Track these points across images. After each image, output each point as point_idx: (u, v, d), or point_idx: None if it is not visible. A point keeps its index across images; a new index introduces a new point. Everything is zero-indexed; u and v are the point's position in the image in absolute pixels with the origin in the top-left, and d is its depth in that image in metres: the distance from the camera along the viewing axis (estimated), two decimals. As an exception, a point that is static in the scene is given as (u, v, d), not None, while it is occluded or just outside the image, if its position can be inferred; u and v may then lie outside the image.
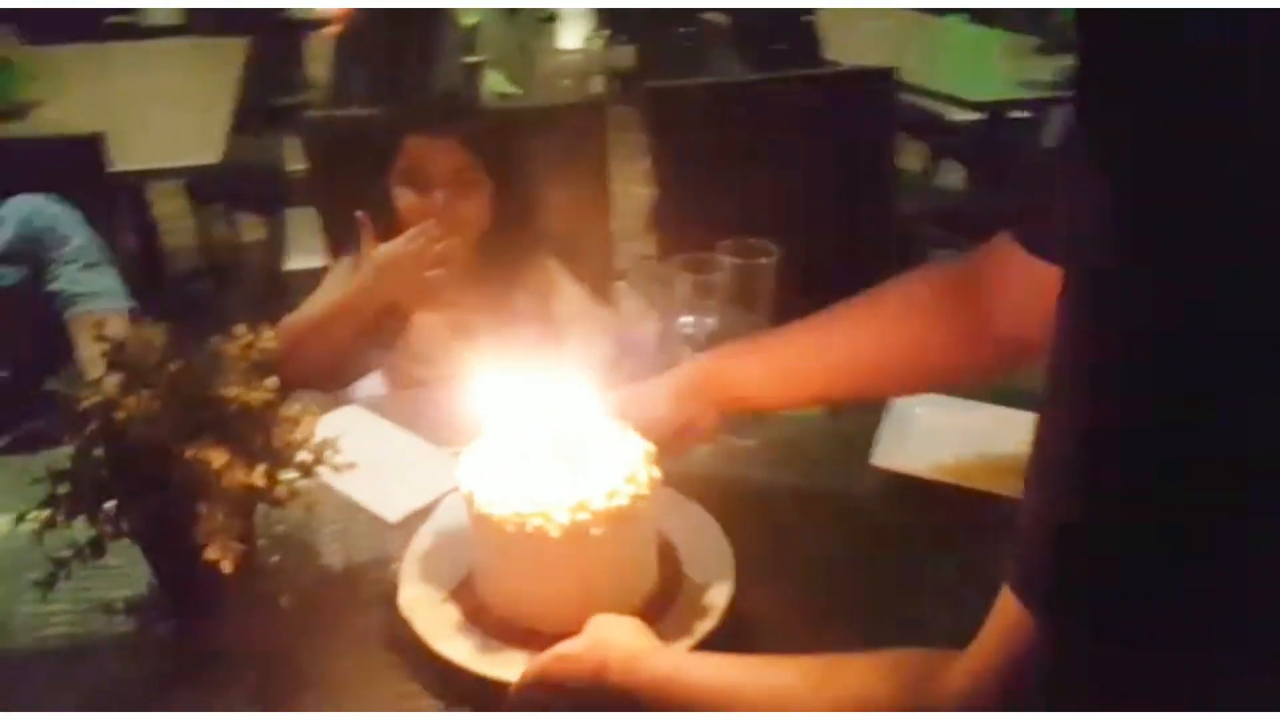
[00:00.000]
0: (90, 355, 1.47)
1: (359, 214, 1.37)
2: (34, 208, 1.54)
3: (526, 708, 0.73)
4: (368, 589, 0.91)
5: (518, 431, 0.85)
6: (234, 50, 3.10)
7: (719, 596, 0.85)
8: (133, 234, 3.06)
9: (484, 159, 1.41)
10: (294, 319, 1.41)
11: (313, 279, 1.74)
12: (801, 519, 1.01)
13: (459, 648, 0.79)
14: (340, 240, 1.65)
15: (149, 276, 3.17)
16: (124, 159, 1.82)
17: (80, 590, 0.84)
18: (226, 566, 0.76)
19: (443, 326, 1.46)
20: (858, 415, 1.12)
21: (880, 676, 0.57)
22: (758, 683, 0.64)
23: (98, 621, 0.86)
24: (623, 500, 0.79)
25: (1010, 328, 0.80)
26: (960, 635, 0.52)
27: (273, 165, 3.07)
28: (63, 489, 0.79)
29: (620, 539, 0.80)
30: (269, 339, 0.88)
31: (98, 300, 1.53)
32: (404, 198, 1.40)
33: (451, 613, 0.83)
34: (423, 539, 0.92)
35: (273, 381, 0.88)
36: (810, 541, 0.98)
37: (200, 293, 3.44)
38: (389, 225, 1.40)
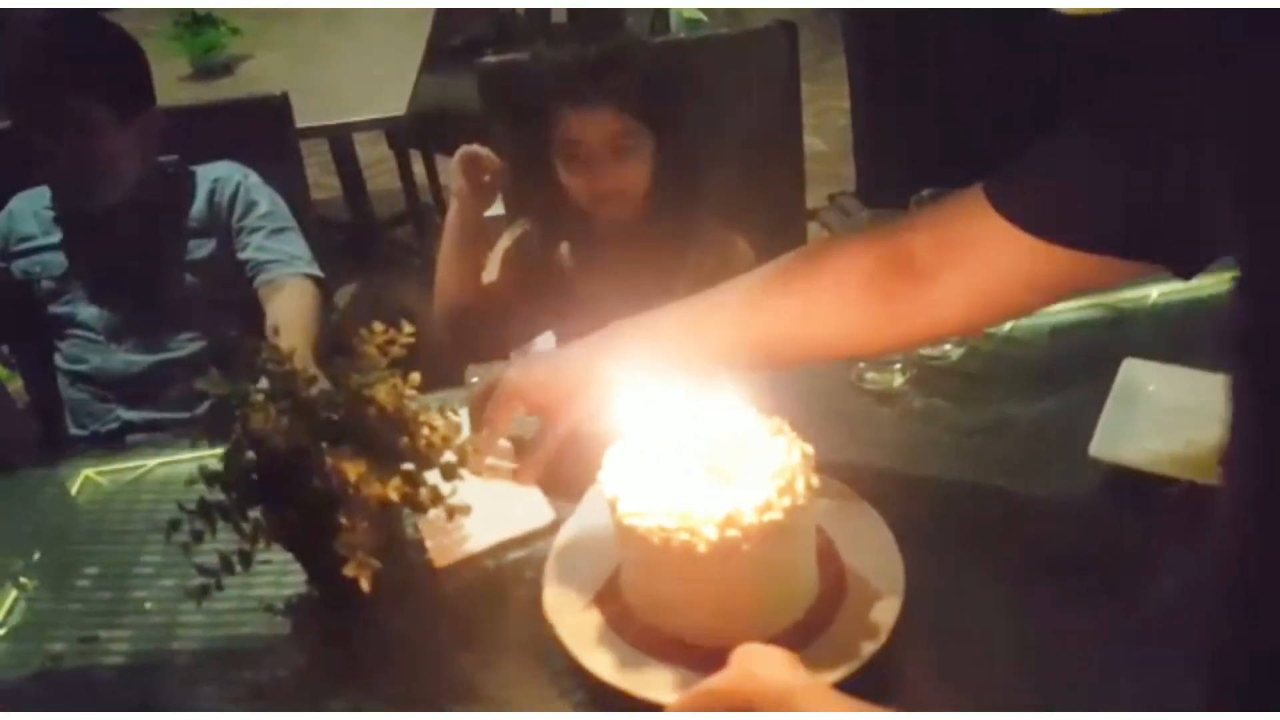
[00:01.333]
0: (271, 319, 1.49)
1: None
2: (220, 176, 1.56)
3: None
4: (519, 589, 0.86)
5: (666, 431, 0.78)
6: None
7: (886, 614, 0.75)
8: (340, 182, 3.20)
9: (645, 117, 1.32)
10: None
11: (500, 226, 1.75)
12: (1003, 524, 0.87)
13: (601, 660, 0.75)
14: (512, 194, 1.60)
15: (356, 225, 3.32)
16: (315, 114, 1.84)
17: (243, 589, 0.84)
18: (364, 584, 0.72)
19: (617, 294, 1.37)
20: (1070, 392, 0.96)
21: None
22: None
23: (257, 622, 0.86)
24: (776, 514, 0.71)
25: (947, 305, 0.80)
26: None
27: (465, 107, 3.08)
28: (214, 495, 0.78)
29: (773, 554, 0.73)
30: (409, 333, 0.84)
31: (285, 267, 1.54)
32: (563, 172, 1.35)
33: (595, 618, 0.79)
34: (567, 535, 0.87)
35: (415, 379, 0.83)
36: (1004, 555, 0.84)
37: (405, 236, 3.55)
38: (552, 194, 1.36)
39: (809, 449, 0.77)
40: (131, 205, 1.50)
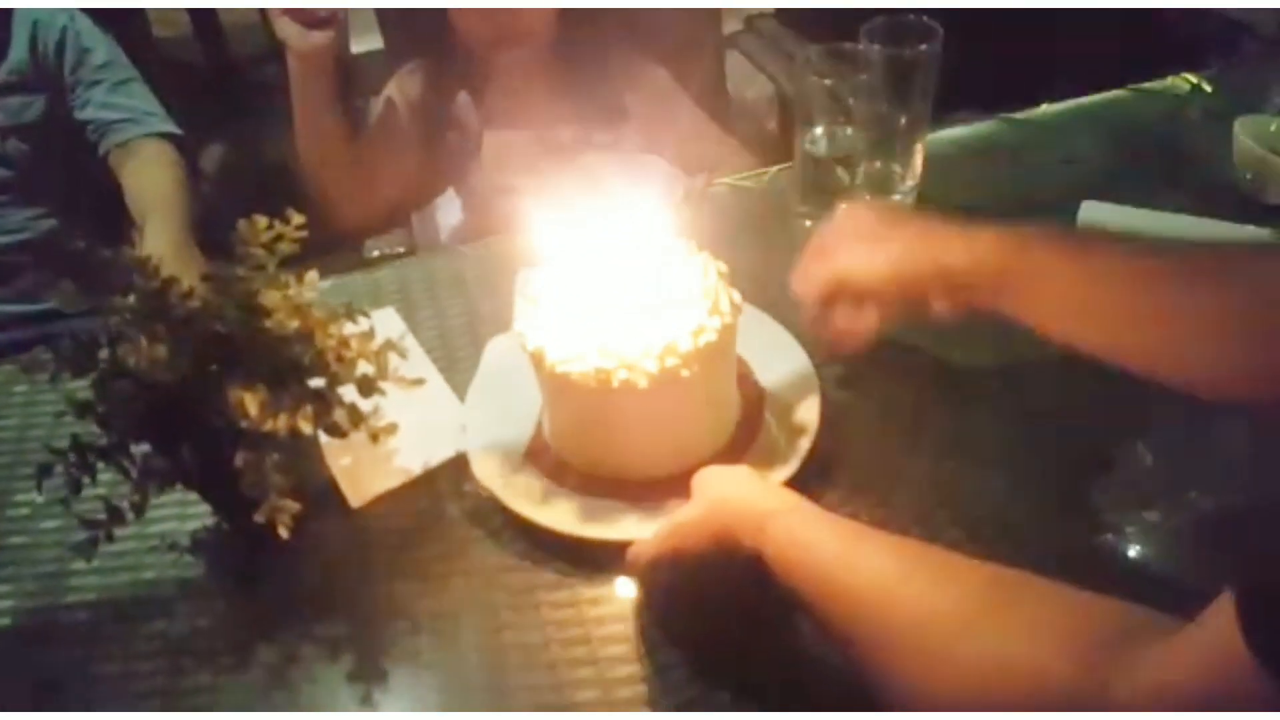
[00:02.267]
0: (131, 193, 1.32)
1: None
2: (39, 19, 1.32)
3: (652, 589, 0.67)
4: (442, 480, 0.80)
5: (575, 267, 0.73)
6: None
7: (808, 412, 0.77)
8: (188, 16, 2.86)
9: None
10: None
11: (378, 64, 1.56)
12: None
13: (554, 515, 0.73)
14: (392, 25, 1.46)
15: (210, 67, 2.99)
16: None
17: (140, 526, 0.72)
18: (281, 532, 0.62)
19: (525, 144, 1.27)
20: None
21: (1063, 613, 0.46)
22: (906, 587, 0.52)
23: (163, 564, 0.75)
24: (711, 336, 0.69)
25: None
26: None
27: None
28: (88, 431, 0.66)
29: (709, 375, 0.71)
30: (298, 225, 0.70)
31: (135, 126, 1.35)
32: (462, 17, 1.21)
33: (532, 478, 0.75)
34: (477, 396, 0.83)
35: (312, 278, 0.71)
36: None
37: (269, 77, 3.22)
38: (444, 35, 1.23)
39: (722, 266, 0.74)
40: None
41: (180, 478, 0.67)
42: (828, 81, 0.87)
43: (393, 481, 0.78)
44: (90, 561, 0.67)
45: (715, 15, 1.61)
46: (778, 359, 0.82)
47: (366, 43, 2.18)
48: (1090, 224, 0.90)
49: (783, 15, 1.78)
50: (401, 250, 1.27)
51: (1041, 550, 0.62)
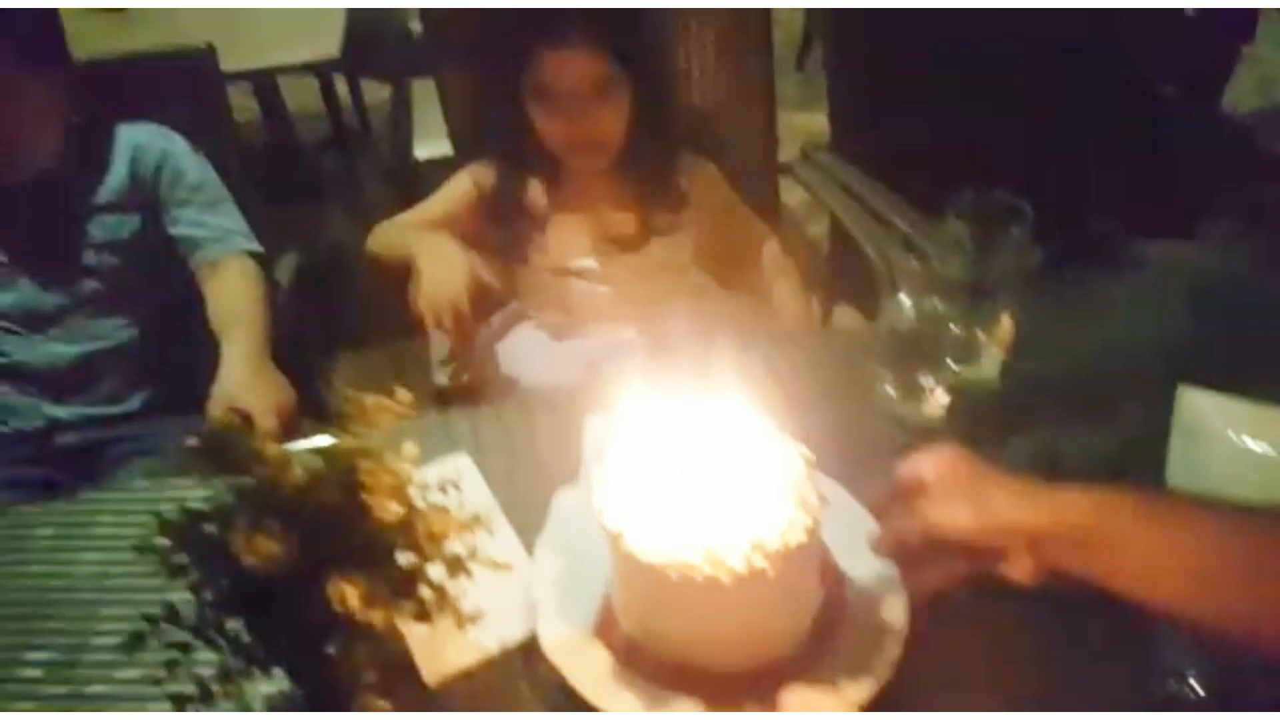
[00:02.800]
0: (214, 306, 1.35)
1: None
2: (141, 143, 1.38)
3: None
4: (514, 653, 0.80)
5: (651, 433, 0.74)
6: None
7: (894, 613, 0.76)
8: (259, 106, 2.96)
9: (624, 63, 1.28)
10: (392, 231, 1.37)
11: (443, 172, 1.62)
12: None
13: (623, 703, 0.72)
14: (463, 132, 1.54)
15: (278, 150, 3.09)
16: (236, 59, 1.64)
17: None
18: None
19: (588, 226, 1.38)
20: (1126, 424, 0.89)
21: None
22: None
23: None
24: (798, 535, 0.69)
25: None
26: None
27: (399, 26, 2.85)
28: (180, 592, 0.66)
29: (794, 572, 0.71)
30: (405, 403, 0.72)
31: (221, 245, 1.39)
32: (538, 116, 1.30)
33: (602, 656, 0.75)
34: (546, 560, 0.83)
35: (412, 453, 0.72)
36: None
37: (329, 166, 3.33)
38: (522, 139, 1.32)
39: (808, 453, 0.73)
40: (43, 177, 1.33)
41: (271, 659, 0.68)
42: (915, 262, 0.88)
43: (468, 659, 0.79)
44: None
45: (772, 141, 1.66)
46: (855, 540, 0.79)
47: (430, 148, 2.26)
48: (1191, 419, 0.88)
49: (839, 147, 1.81)
50: (466, 378, 1.30)
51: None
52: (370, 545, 0.66)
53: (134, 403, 1.40)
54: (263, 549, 0.61)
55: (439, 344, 1.30)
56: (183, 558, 0.68)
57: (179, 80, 1.49)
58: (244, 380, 1.22)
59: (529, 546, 0.87)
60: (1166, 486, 0.84)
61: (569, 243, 1.38)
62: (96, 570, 0.91)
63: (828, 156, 1.72)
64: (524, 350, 1.42)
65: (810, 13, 3.31)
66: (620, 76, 1.28)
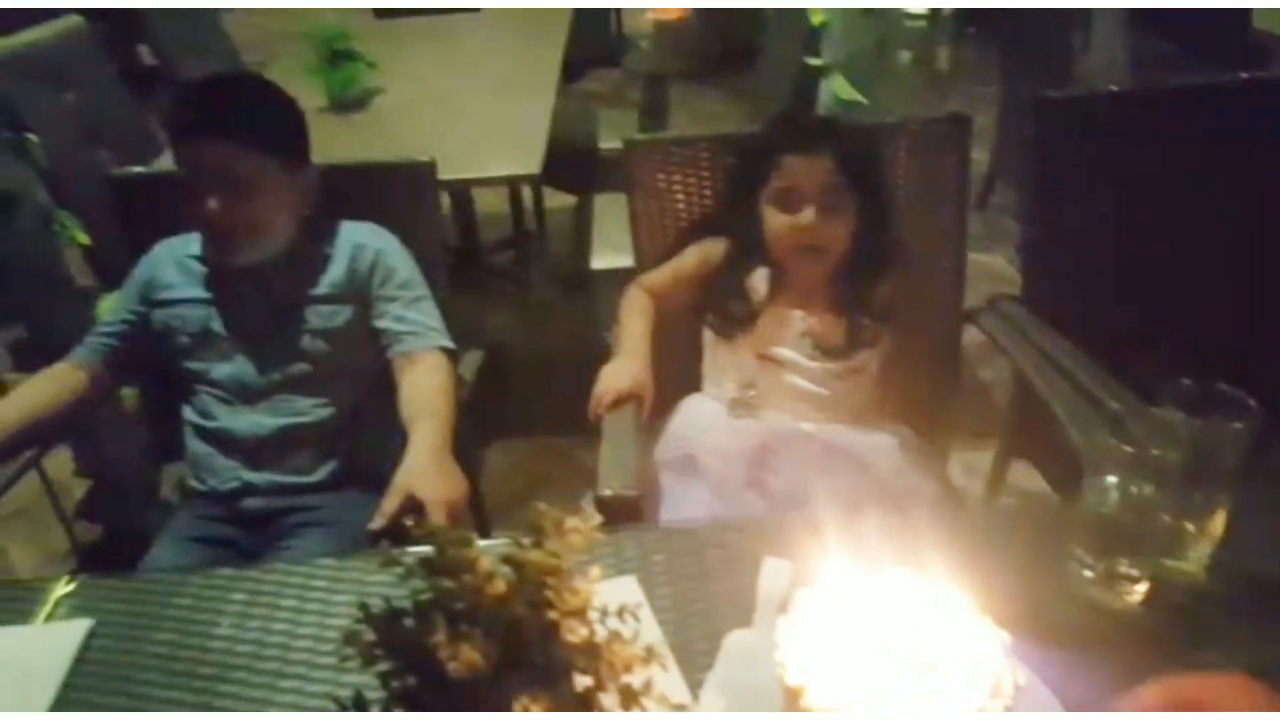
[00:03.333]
0: (406, 397, 1.43)
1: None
2: (361, 242, 1.52)
3: None
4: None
5: (843, 602, 0.72)
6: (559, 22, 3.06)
7: None
8: (452, 208, 3.17)
9: (850, 177, 1.43)
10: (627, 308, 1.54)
11: (616, 282, 1.71)
12: None
13: None
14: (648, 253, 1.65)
15: (461, 248, 3.29)
16: (447, 170, 1.78)
17: None
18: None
19: (798, 321, 1.48)
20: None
21: None
22: None
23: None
24: None
25: None
26: None
27: (587, 140, 3.02)
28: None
29: None
30: (593, 526, 0.74)
31: (420, 340, 1.49)
32: (773, 219, 1.45)
33: None
34: (712, 704, 0.81)
35: (595, 574, 0.74)
36: None
37: (507, 263, 3.51)
38: (753, 233, 1.47)
39: (1007, 636, 0.71)
40: (275, 267, 1.47)
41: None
42: (1128, 448, 0.85)
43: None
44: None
45: (959, 284, 1.65)
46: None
47: (604, 260, 2.37)
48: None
49: (1028, 298, 1.78)
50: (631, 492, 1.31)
51: None
52: (552, 664, 0.67)
53: (319, 475, 1.49)
54: (466, 656, 0.64)
55: (607, 461, 1.33)
56: (378, 649, 0.71)
57: (400, 186, 1.64)
58: (426, 471, 1.28)
59: (691, 684, 0.86)
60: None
61: (776, 332, 1.48)
62: (281, 640, 0.95)
63: (1019, 311, 1.67)
64: (698, 418, 1.49)
65: (997, 153, 3.33)
66: (849, 191, 1.42)
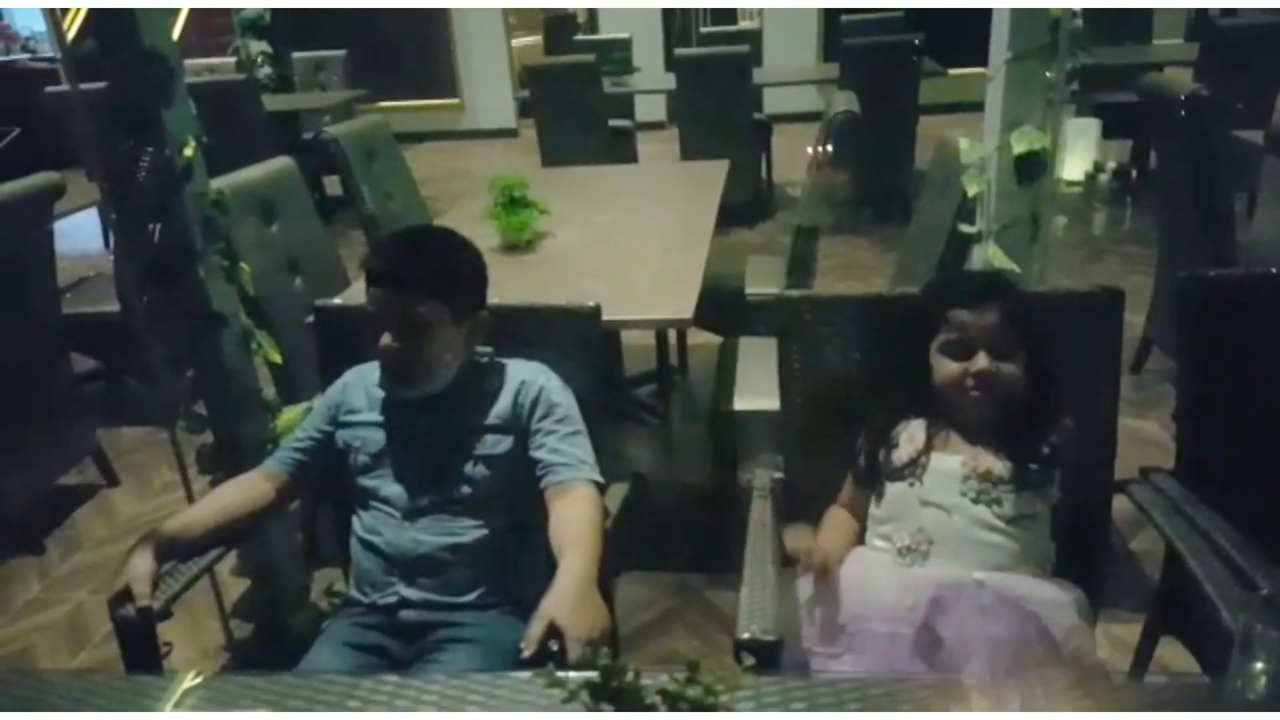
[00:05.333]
0: (556, 526, 1.51)
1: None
2: (526, 378, 1.64)
3: None
4: None
5: None
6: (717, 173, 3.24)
7: None
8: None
9: (1020, 330, 1.51)
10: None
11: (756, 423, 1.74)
12: None
13: None
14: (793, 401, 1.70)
15: (607, 390, 3.42)
16: (608, 311, 1.91)
17: None
18: None
19: (958, 468, 1.52)
20: None
21: None
22: None
23: None
24: None
25: None
26: None
27: (735, 284, 3.14)
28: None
29: None
30: (742, 663, 0.79)
31: (573, 471, 1.59)
32: (944, 366, 1.54)
33: None
34: None
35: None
36: None
37: (649, 397, 3.62)
38: (921, 393, 1.56)
39: None
40: (447, 396, 1.60)
41: None
42: (1275, 631, 0.84)
43: None
44: None
45: (1111, 450, 1.65)
46: None
47: (745, 402, 2.43)
48: None
49: (1181, 473, 1.74)
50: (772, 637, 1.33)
51: None
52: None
53: (471, 595, 1.58)
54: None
55: (746, 603, 1.36)
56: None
57: (567, 329, 1.78)
58: (572, 601, 1.34)
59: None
60: None
61: (941, 478, 1.52)
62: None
63: (1171, 484, 1.66)
64: (867, 569, 1.51)
65: (1152, 318, 3.28)
66: (1016, 343, 1.51)
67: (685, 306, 2.17)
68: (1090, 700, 1.01)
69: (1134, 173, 5.73)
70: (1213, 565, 1.31)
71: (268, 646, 2.40)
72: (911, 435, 1.57)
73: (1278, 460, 1.60)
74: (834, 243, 4.96)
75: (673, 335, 3.67)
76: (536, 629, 1.28)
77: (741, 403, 2.50)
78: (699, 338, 3.45)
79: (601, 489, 1.60)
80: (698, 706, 0.76)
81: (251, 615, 2.49)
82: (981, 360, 1.50)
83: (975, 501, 1.49)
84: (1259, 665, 0.86)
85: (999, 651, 1.31)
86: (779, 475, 1.77)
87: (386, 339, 1.54)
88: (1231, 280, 1.72)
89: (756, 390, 2.44)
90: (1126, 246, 4.84)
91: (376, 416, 1.64)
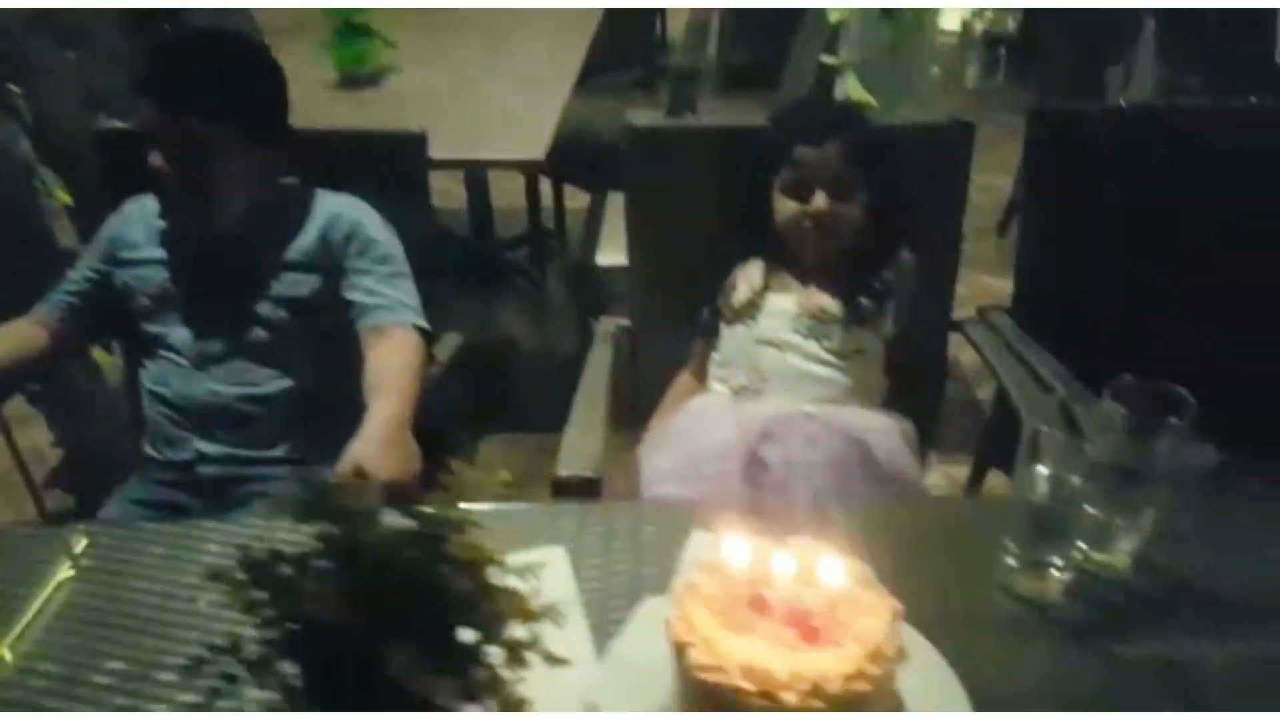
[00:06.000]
0: (369, 367, 1.39)
1: None
2: (337, 212, 1.47)
3: None
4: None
5: (746, 573, 0.71)
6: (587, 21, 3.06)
7: None
8: (467, 198, 3.17)
9: (862, 168, 1.45)
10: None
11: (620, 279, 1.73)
12: None
13: None
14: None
15: (475, 240, 3.29)
16: (451, 147, 1.76)
17: None
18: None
19: (795, 307, 1.49)
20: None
21: None
22: None
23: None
24: (864, 685, 0.65)
25: None
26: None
27: (606, 139, 3.00)
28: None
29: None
30: (504, 478, 0.72)
31: (392, 314, 1.44)
32: (784, 205, 1.47)
33: None
34: (614, 665, 0.79)
35: (499, 532, 0.71)
36: None
37: (519, 261, 3.49)
38: (759, 231, 1.50)
39: (899, 606, 0.71)
40: (240, 231, 1.43)
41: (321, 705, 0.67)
42: (1063, 436, 0.82)
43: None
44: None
45: (949, 290, 1.65)
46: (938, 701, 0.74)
47: (612, 257, 2.35)
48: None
49: (1018, 312, 1.74)
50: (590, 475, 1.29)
51: None
52: (434, 617, 0.65)
53: (278, 450, 1.45)
54: (326, 600, 0.61)
55: (570, 443, 1.30)
56: (258, 594, 0.69)
57: (389, 158, 1.61)
58: (379, 445, 1.24)
59: (600, 647, 0.84)
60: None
61: (777, 317, 1.50)
62: (189, 594, 0.93)
63: (1003, 319, 1.68)
64: (704, 413, 1.48)
65: (1020, 182, 3.27)
66: (857, 183, 1.45)
67: (536, 147, 2.04)
68: (907, 514, 0.99)
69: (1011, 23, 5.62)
70: (1026, 387, 1.30)
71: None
72: (748, 276, 1.54)
73: (1109, 299, 1.60)
74: (717, 105, 4.80)
75: (549, 196, 3.52)
76: (339, 472, 1.19)
77: (604, 258, 2.40)
78: (578, 200, 3.32)
79: (427, 337, 1.48)
80: (441, 523, 0.68)
81: (72, 486, 2.32)
82: (819, 200, 1.44)
83: (807, 338, 1.48)
84: (1041, 470, 0.84)
85: (824, 475, 1.29)
86: (625, 323, 1.71)
87: (156, 160, 1.35)
88: (1075, 113, 1.69)
89: (622, 245, 2.36)
90: (1009, 115, 4.80)
91: (158, 253, 1.46)
